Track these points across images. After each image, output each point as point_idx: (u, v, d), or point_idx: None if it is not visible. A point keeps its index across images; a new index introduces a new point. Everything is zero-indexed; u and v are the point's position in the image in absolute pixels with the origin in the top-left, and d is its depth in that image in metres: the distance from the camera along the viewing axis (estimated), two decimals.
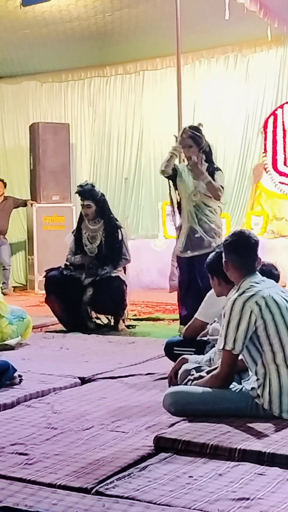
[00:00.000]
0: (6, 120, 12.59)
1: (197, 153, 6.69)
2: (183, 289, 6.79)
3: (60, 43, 10.41)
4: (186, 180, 6.78)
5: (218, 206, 6.87)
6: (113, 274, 7.15)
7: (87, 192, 7.28)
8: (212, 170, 6.73)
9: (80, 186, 7.40)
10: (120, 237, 7.29)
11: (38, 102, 12.47)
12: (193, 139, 6.68)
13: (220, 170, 6.81)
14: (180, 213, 6.87)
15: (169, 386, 4.19)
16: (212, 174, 6.68)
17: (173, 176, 6.80)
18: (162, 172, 6.80)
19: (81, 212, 7.48)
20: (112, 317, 7.36)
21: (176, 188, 6.85)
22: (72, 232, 7.59)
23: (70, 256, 7.39)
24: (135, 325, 7.40)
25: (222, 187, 6.69)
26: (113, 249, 7.25)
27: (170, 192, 6.92)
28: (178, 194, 6.85)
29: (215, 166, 6.80)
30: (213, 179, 6.64)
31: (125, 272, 7.38)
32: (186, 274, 6.73)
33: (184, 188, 6.78)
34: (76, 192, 7.43)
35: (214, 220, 6.76)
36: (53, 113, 12.35)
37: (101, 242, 7.28)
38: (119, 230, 7.32)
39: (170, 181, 6.85)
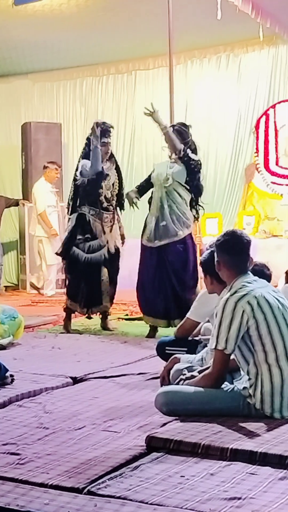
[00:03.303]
0: None
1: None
2: (145, 279, 6.77)
3: (52, 42, 10.40)
4: (160, 168, 6.86)
5: (198, 205, 6.87)
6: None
7: (110, 131, 7.26)
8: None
9: (104, 123, 7.27)
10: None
11: (30, 101, 12.45)
12: (178, 132, 6.78)
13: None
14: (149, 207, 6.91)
15: (161, 386, 4.19)
16: (188, 167, 6.70)
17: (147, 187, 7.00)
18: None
19: (86, 147, 7.37)
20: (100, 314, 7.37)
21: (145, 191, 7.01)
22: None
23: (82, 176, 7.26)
24: (114, 327, 7.35)
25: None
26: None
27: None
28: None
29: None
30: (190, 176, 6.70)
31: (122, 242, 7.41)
32: (154, 264, 6.70)
33: (157, 176, 6.81)
34: (103, 130, 7.19)
35: (184, 211, 6.72)
36: (45, 113, 12.33)
37: (115, 179, 7.30)
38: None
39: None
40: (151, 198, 6.88)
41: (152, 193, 6.88)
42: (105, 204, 7.19)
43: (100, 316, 7.37)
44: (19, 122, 11.95)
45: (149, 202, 6.89)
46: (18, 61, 11.49)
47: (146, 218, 6.87)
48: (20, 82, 12.37)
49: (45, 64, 11.76)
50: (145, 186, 7.05)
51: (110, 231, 7.23)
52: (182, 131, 6.80)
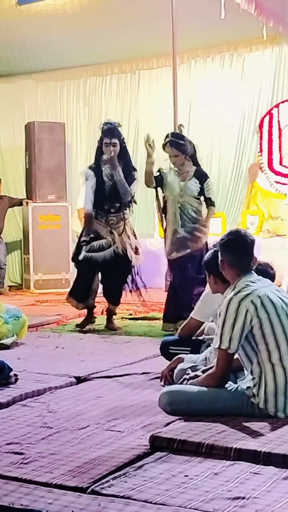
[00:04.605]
0: (2, 119, 12.57)
1: (183, 160, 6.78)
2: (172, 289, 6.87)
3: (55, 42, 10.40)
4: (171, 182, 6.86)
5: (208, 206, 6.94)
6: (123, 253, 7.13)
7: (116, 130, 7.14)
8: (200, 175, 6.81)
9: (109, 123, 7.17)
10: (134, 177, 7.22)
11: (33, 101, 12.46)
12: (177, 148, 6.77)
13: (208, 177, 6.91)
14: (165, 216, 6.94)
15: (161, 382, 4.19)
16: (200, 179, 6.79)
17: (159, 183, 6.91)
18: (148, 186, 6.98)
19: (98, 150, 7.31)
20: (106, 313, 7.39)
21: (162, 191, 6.94)
22: (90, 168, 7.40)
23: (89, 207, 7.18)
24: (119, 327, 7.35)
25: (212, 201, 6.86)
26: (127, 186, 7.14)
27: (157, 198, 7.00)
28: (164, 197, 6.93)
29: (203, 173, 6.88)
30: (203, 187, 6.79)
31: (137, 252, 7.30)
32: (178, 275, 6.79)
33: (170, 190, 6.86)
34: (104, 130, 7.14)
35: (199, 220, 6.81)
36: (49, 112, 12.34)
37: (115, 181, 7.12)
38: (134, 172, 7.25)
39: (158, 188, 6.95)
40: (164, 207, 6.90)
41: (166, 204, 6.91)
42: (106, 206, 7.17)
43: (106, 315, 7.39)
44: (22, 122, 11.95)
45: (164, 212, 6.92)
46: (22, 61, 11.49)
47: (165, 229, 6.94)
48: (24, 82, 12.37)
49: (49, 64, 11.76)
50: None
51: (121, 233, 7.13)
52: (179, 145, 6.74)
